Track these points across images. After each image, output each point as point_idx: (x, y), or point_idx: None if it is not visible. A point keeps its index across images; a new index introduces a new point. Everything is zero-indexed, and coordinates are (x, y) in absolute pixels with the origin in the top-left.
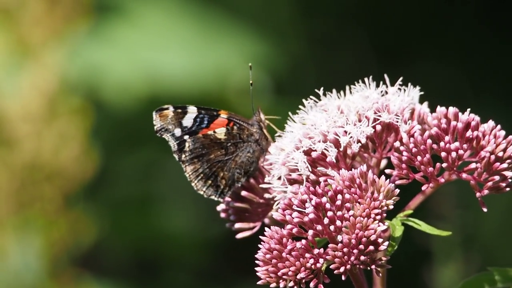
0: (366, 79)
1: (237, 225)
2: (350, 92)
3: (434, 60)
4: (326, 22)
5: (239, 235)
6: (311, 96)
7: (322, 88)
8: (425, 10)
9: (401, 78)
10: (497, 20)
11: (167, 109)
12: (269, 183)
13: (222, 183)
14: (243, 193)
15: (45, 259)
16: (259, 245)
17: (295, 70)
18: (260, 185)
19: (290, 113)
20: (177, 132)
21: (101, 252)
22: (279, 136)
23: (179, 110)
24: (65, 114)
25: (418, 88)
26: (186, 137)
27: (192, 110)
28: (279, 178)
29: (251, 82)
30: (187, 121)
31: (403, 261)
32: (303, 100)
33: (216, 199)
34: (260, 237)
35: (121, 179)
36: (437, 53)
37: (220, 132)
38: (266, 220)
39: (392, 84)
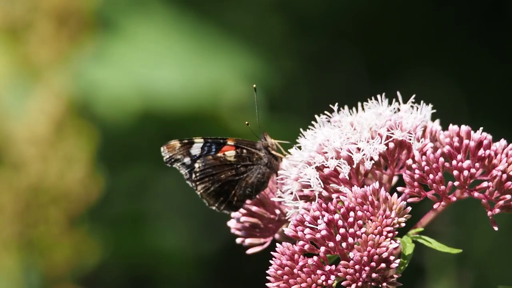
0: (378, 96)
1: (248, 241)
2: (363, 109)
3: (428, 78)
4: (319, 40)
5: (250, 251)
6: (325, 112)
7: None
8: (419, 28)
9: (413, 96)
10: (491, 37)
11: (173, 142)
12: (280, 198)
13: (234, 200)
14: (254, 208)
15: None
16: (271, 261)
17: (288, 87)
18: (272, 198)
19: (301, 129)
20: (187, 161)
21: (95, 268)
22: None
23: (186, 141)
24: (70, 136)
25: (430, 105)
26: (196, 163)
27: (199, 141)
28: (291, 194)
29: (256, 102)
30: (195, 150)
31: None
32: (316, 116)
33: (228, 213)
34: (272, 253)
35: (114, 195)
36: (430, 71)
37: (230, 155)
38: (277, 236)
39: (405, 102)
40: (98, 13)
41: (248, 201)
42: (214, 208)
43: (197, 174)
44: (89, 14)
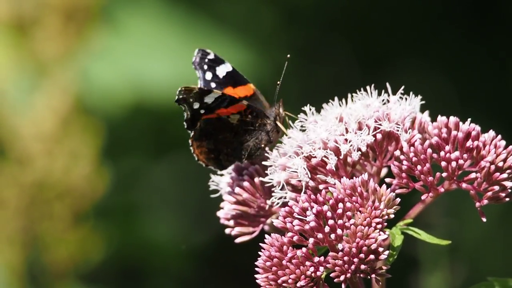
0: (368, 88)
1: (237, 229)
2: (352, 100)
3: (419, 71)
4: (310, 31)
5: (238, 240)
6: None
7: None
8: (409, 20)
9: (403, 87)
10: (481, 29)
11: (194, 86)
12: (269, 181)
13: (224, 158)
14: (245, 195)
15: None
16: (259, 252)
17: (279, 79)
18: (260, 179)
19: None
20: (196, 105)
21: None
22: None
23: (205, 90)
24: (76, 132)
25: (419, 97)
26: (202, 111)
27: (217, 92)
28: (279, 183)
29: (279, 82)
30: (209, 99)
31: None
32: (305, 108)
33: (214, 168)
34: (261, 244)
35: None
36: (421, 63)
37: (234, 118)
38: (266, 227)
39: (394, 94)
40: (105, 8)
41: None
42: (201, 162)
43: (197, 132)
44: (95, 10)
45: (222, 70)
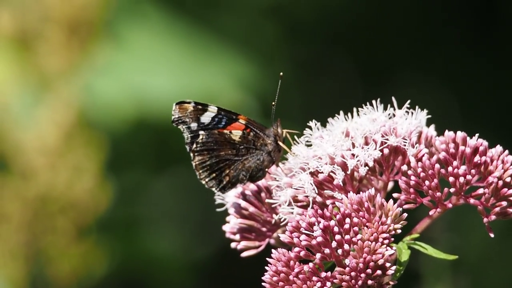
0: (373, 102)
1: (243, 244)
2: (358, 114)
3: (420, 83)
4: (312, 45)
5: (244, 254)
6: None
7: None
8: (411, 33)
9: (408, 101)
10: (483, 42)
11: (188, 103)
12: (275, 201)
13: (225, 179)
14: (251, 209)
15: None
16: (266, 267)
17: (281, 93)
18: (267, 200)
19: (296, 137)
20: (193, 126)
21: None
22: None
23: (200, 107)
24: (79, 146)
25: (425, 111)
26: (201, 132)
27: (213, 110)
28: (285, 199)
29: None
30: (205, 118)
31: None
32: (310, 123)
33: (215, 191)
34: (267, 259)
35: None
36: (423, 76)
37: (236, 134)
38: (272, 242)
39: (397, 107)
40: (107, 23)
41: (239, 185)
42: (203, 183)
43: (198, 145)
44: (98, 24)
45: (206, 117)
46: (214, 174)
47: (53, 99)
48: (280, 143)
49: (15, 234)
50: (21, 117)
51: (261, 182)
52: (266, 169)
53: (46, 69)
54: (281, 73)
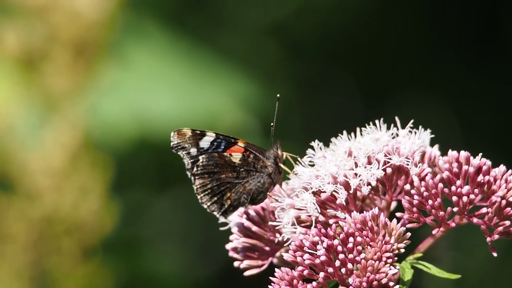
0: (376, 121)
1: (246, 262)
2: (361, 134)
3: (421, 102)
4: (313, 65)
5: (247, 273)
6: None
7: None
8: (412, 52)
9: (412, 121)
10: (484, 62)
11: (186, 129)
12: (279, 222)
13: (227, 203)
14: (254, 228)
15: None
16: (269, 286)
17: (282, 112)
18: (270, 223)
19: (298, 157)
20: (193, 151)
21: None
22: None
23: (198, 132)
24: (85, 168)
25: (428, 130)
26: (201, 157)
27: (211, 135)
28: (288, 219)
29: (273, 122)
30: (204, 143)
31: None
32: (313, 143)
33: (217, 215)
34: (271, 278)
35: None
36: (424, 95)
37: (236, 157)
38: (275, 261)
39: (403, 127)
40: (112, 43)
41: (240, 208)
42: (205, 207)
43: (199, 169)
44: (103, 45)
45: (205, 142)
46: (215, 198)
47: (58, 120)
48: (281, 165)
49: (20, 255)
50: (26, 138)
51: (264, 202)
52: (267, 192)
53: (52, 90)
54: (278, 95)
